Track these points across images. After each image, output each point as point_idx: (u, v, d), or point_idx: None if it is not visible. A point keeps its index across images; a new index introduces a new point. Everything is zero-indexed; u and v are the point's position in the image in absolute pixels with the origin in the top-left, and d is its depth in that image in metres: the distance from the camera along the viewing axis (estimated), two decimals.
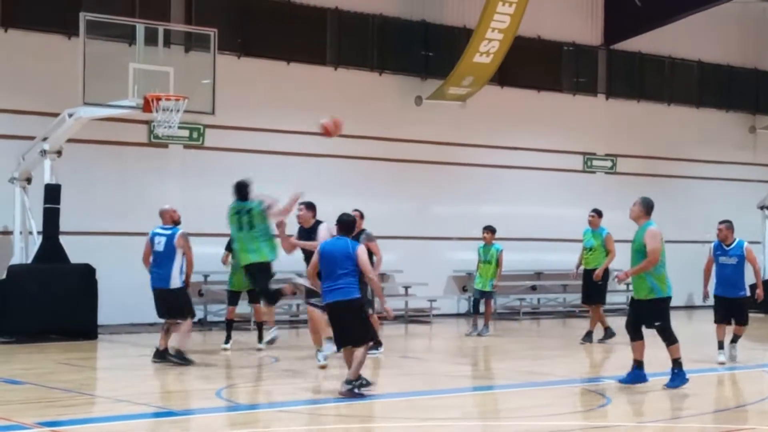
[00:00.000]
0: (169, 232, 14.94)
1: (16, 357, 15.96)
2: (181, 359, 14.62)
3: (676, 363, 12.72)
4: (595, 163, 27.92)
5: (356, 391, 11.91)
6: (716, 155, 29.91)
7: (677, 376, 12.66)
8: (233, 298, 17.44)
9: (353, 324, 12.16)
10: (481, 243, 20.36)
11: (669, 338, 12.82)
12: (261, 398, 13.13)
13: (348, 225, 12.55)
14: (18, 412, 10.82)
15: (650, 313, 12.84)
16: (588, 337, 18.80)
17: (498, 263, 20.10)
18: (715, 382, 14.62)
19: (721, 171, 29.81)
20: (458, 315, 25.20)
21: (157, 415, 11.15)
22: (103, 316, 18.81)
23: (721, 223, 16.10)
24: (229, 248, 17.01)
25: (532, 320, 25.09)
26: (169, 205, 15.32)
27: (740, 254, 15.67)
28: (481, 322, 20.23)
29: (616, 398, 12.15)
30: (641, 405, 11.90)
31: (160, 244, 14.92)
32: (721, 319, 15.69)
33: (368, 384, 12.05)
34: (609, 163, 28.12)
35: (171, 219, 15.11)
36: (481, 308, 20.37)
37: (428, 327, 23.00)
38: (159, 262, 14.92)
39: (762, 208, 27.55)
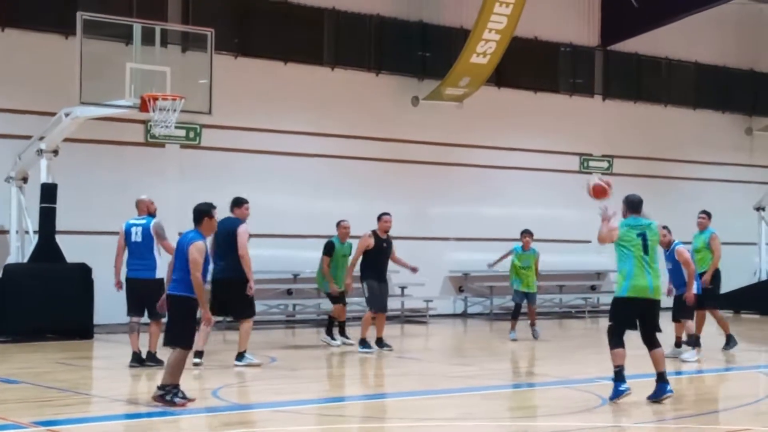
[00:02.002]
0: (144, 221, 14.82)
1: (12, 356, 15.95)
2: (156, 362, 14.50)
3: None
4: (592, 164, 27.94)
5: (167, 398, 11.16)
6: (713, 156, 29.94)
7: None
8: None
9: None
10: (517, 245, 19.72)
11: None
12: (257, 398, 13.12)
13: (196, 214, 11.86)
14: (14, 411, 10.81)
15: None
16: (697, 341, 16.49)
17: (536, 265, 19.63)
18: (711, 383, 14.63)
19: (717, 172, 29.84)
20: (454, 315, 25.21)
21: (153, 414, 11.13)
22: (99, 316, 18.78)
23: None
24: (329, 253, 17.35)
25: (528, 320, 25.03)
26: (146, 196, 15.21)
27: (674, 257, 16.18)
28: (520, 325, 19.79)
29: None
30: (638, 405, 11.89)
31: (137, 234, 14.71)
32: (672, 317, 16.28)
33: (185, 398, 11.29)
34: (605, 164, 28.13)
35: (147, 210, 14.99)
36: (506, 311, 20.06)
37: (425, 327, 23.01)
38: (139, 253, 14.71)
39: (758, 209, 27.57)
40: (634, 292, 11.90)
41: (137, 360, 14.62)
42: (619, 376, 11.82)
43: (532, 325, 19.74)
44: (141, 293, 14.65)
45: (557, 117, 27.15)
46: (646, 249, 12.09)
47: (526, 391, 13.32)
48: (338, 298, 17.44)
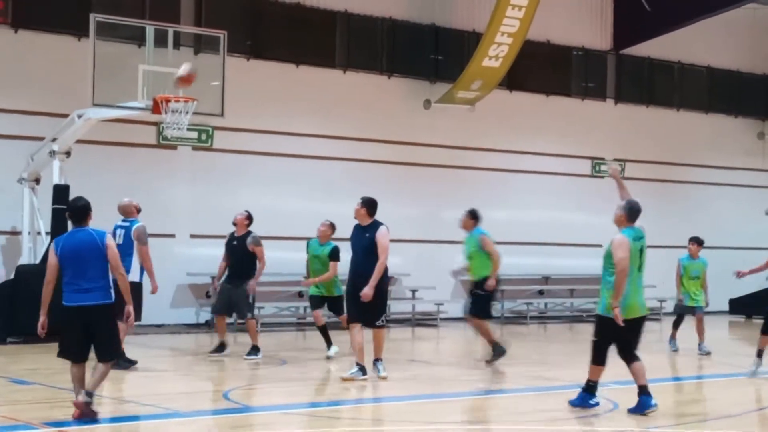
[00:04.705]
0: (128, 224, 14.77)
1: (24, 357, 15.98)
2: (123, 361, 14.39)
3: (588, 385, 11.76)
4: (604, 167, 27.90)
5: (93, 409, 10.43)
6: (725, 161, 29.87)
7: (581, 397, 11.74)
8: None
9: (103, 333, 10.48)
10: (684, 255, 18.24)
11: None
12: (268, 400, 13.12)
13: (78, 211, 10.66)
14: (25, 412, 10.84)
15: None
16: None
17: (704, 276, 18.03)
18: (727, 388, 14.59)
19: (729, 177, 29.78)
20: (465, 319, 25.13)
21: (163, 416, 11.15)
22: None
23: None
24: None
25: (539, 324, 25.07)
26: (128, 199, 15.17)
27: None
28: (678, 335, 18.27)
29: (623, 403, 12.13)
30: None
31: (120, 236, 14.62)
32: None
33: (95, 414, 10.46)
34: (617, 168, 28.04)
35: (135, 212, 14.94)
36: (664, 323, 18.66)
37: (435, 330, 22.99)
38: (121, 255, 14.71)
39: None
40: (629, 312, 11.34)
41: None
42: (592, 389, 11.69)
43: (703, 340, 17.87)
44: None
45: (569, 121, 27.12)
46: (641, 266, 11.62)
47: (536, 395, 13.30)
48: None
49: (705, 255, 18.32)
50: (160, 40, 18.16)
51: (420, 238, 24.33)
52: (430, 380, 14.57)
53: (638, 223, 11.79)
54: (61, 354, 10.58)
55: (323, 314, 16.42)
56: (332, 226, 16.49)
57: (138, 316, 14.43)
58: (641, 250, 11.57)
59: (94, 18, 17.57)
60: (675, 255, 27.55)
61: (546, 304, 26.51)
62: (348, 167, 23.61)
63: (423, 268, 24.05)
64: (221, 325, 16.30)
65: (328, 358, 16.09)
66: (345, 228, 14.41)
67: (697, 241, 18.14)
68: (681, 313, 18.24)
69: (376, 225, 13.70)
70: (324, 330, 16.47)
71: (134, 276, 14.46)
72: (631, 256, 11.34)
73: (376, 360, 13.88)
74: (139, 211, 15.04)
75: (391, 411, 11.83)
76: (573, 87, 27.49)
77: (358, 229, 13.82)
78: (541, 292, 26.27)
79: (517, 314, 25.62)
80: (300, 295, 22.79)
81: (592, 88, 27.80)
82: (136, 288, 14.42)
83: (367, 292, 13.36)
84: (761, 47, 30.64)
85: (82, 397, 10.32)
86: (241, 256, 16.03)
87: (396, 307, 23.96)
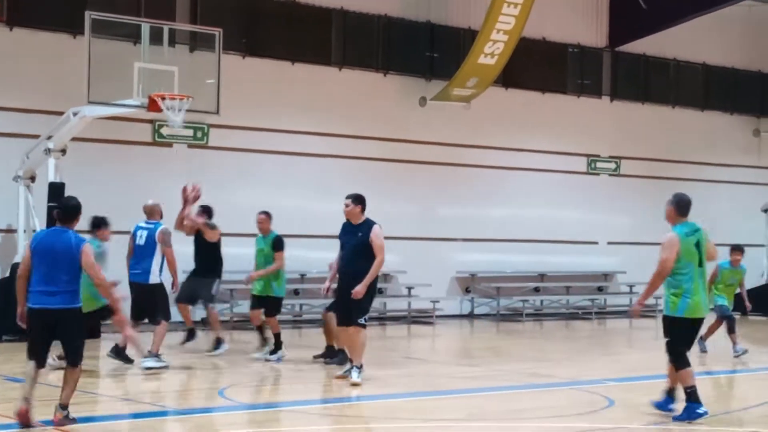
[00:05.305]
0: (152, 226, 14.86)
1: (19, 355, 15.87)
2: (122, 358, 14.49)
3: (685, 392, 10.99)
4: (599, 165, 27.92)
5: (70, 417, 10.16)
6: (720, 158, 29.89)
7: (685, 408, 10.94)
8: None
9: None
10: (724, 261, 17.32)
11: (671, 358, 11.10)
12: (264, 398, 13.13)
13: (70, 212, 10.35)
14: None
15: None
16: None
17: (742, 283, 17.58)
18: (720, 385, 14.61)
19: (725, 174, 29.79)
20: (461, 316, 25.20)
21: (160, 414, 11.15)
22: None
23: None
24: None
25: (535, 322, 25.09)
26: (153, 201, 15.27)
27: None
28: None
29: (619, 400, 12.14)
30: (644, 407, 11.89)
31: (141, 237, 14.81)
32: None
33: (73, 421, 10.20)
34: (613, 165, 28.11)
35: (160, 215, 15.05)
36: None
37: (431, 328, 23.00)
38: (138, 256, 14.81)
39: (766, 211, 27.54)
40: (694, 312, 10.80)
41: (115, 352, 14.74)
42: (694, 397, 10.75)
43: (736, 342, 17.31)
44: (134, 296, 14.87)
45: (565, 118, 27.12)
46: (701, 261, 10.91)
47: (532, 392, 13.31)
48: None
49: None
50: (156, 38, 18.13)
51: (416, 235, 24.32)
52: (426, 377, 14.57)
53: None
54: (27, 354, 10.44)
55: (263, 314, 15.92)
56: (269, 216, 16.00)
57: (166, 315, 14.73)
58: (698, 245, 10.86)
59: (89, 16, 17.54)
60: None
61: (542, 301, 26.52)
62: (344, 164, 23.60)
63: (419, 265, 24.05)
64: (185, 314, 16.25)
65: (258, 359, 15.50)
66: (336, 225, 14.29)
67: (740, 250, 17.54)
68: (725, 316, 17.28)
69: (368, 224, 13.27)
70: (261, 330, 16.01)
71: (154, 277, 14.67)
72: (687, 254, 10.75)
73: (354, 367, 13.19)
74: (161, 215, 15.10)
75: (387, 408, 11.83)
76: (569, 84, 27.49)
77: (349, 227, 13.36)
78: (536, 289, 26.28)
79: (513, 311, 25.62)
80: (296, 292, 22.79)
81: (588, 85, 27.80)
82: (159, 288, 14.59)
83: (359, 290, 12.91)
84: (757, 44, 30.65)
85: (24, 404, 10.02)
86: (205, 250, 15.93)
87: (392, 304, 23.97)
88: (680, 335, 10.86)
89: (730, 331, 17.14)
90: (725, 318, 17.17)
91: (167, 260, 14.69)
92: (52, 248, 10.09)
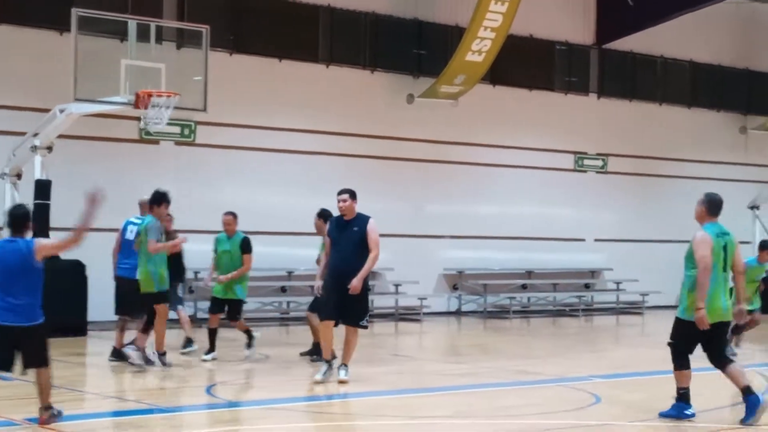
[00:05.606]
0: (140, 221, 14.82)
1: None
2: (120, 357, 14.45)
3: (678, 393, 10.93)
4: (586, 162, 27.95)
5: (55, 413, 9.99)
6: (707, 155, 29.95)
7: (675, 406, 10.90)
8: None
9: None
10: (751, 257, 17.00)
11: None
12: (250, 395, 13.12)
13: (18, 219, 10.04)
14: (7, 408, 10.81)
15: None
16: None
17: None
18: (706, 381, 14.62)
19: (712, 171, 29.82)
20: (449, 313, 25.22)
21: (145, 411, 11.13)
22: (93, 313, 18.76)
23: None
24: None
25: (522, 319, 25.11)
26: (147, 196, 15.23)
27: None
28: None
29: (605, 397, 12.16)
30: (630, 404, 11.92)
31: (132, 232, 14.77)
32: None
33: (59, 414, 10.06)
34: (600, 163, 28.15)
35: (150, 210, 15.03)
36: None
37: (419, 325, 23.01)
38: (127, 251, 14.78)
39: (752, 208, 27.60)
40: (712, 317, 10.47)
41: (116, 354, 14.70)
42: (685, 398, 10.74)
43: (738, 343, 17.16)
44: (121, 291, 14.85)
45: (552, 115, 27.15)
46: (725, 265, 10.67)
47: (519, 389, 13.32)
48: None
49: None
50: (143, 35, 18.10)
51: (403, 232, 24.31)
52: (414, 375, 14.59)
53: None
54: None
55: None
56: (236, 217, 15.51)
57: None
58: (725, 247, 10.71)
59: (75, 13, 17.49)
60: (656, 249, 27.83)
61: (529, 299, 26.55)
62: (331, 162, 23.58)
63: (406, 262, 24.05)
64: (181, 318, 16.47)
65: (204, 360, 15.12)
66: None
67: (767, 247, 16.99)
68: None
69: (363, 218, 12.94)
70: (214, 333, 15.42)
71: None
72: (715, 255, 10.52)
73: (343, 365, 13.00)
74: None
75: (374, 405, 11.83)
76: (556, 81, 27.51)
77: (341, 223, 13.01)
78: (524, 287, 26.31)
79: (500, 308, 25.64)
80: (283, 290, 22.80)
81: (575, 82, 27.84)
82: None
83: (356, 284, 12.56)
84: (743, 42, 30.72)
85: (41, 413, 9.82)
86: (169, 257, 15.13)
87: (379, 301, 23.97)
88: (690, 338, 10.62)
89: (737, 330, 16.69)
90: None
91: (148, 248, 14.44)
92: (5, 259, 9.76)
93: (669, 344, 10.81)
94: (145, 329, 14.27)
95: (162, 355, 14.31)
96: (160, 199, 14.39)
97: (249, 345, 15.56)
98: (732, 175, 29.94)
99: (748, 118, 30.99)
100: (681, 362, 10.72)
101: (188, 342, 16.14)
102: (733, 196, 29.05)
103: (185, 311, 16.83)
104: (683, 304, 10.65)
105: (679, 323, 10.74)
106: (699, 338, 10.60)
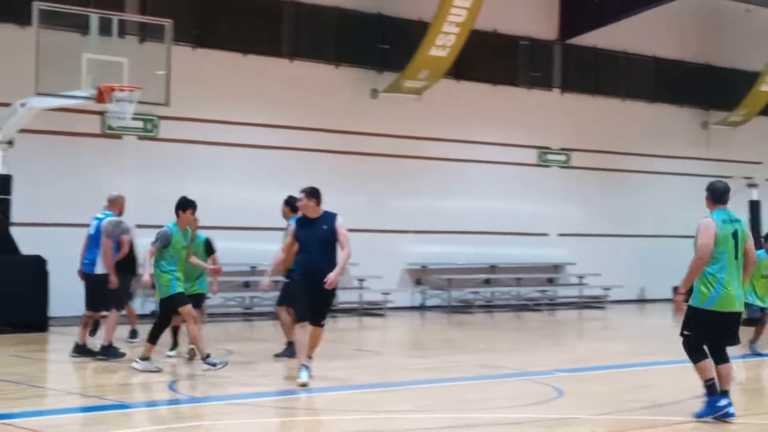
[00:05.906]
0: (102, 216, 14.75)
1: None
2: (111, 354, 14.35)
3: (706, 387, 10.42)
4: (550, 157, 28.06)
5: None
6: (669, 150, 30.14)
7: (707, 403, 10.40)
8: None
9: None
10: (761, 250, 16.02)
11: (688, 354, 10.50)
12: (213, 391, 13.06)
13: None
14: None
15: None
16: None
17: None
18: (672, 374, 14.71)
19: (674, 166, 30.05)
20: (412, 308, 25.24)
21: (107, 407, 11.06)
22: (54, 309, 18.64)
23: None
24: None
25: (486, 313, 25.17)
26: (117, 193, 15.15)
27: None
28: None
29: (568, 391, 12.21)
30: (594, 397, 11.97)
31: (93, 228, 14.70)
32: None
33: None
34: (563, 158, 28.26)
35: (118, 207, 14.94)
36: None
37: (382, 320, 23.02)
38: (89, 245, 14.73)
39: None
40: (724, 305, 10.17)
41: (78, 350, 14.63)
42: (712, 390, 10.26)
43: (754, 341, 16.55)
44: (86, 286, 14.84)
45: (516, 110, 27.24)
46: (737, 252, 10.29)
47: (483, 383, 13.35)
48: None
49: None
50: (105, 29, 18.02)
51: (367, 227, 24.26)
52: (377, 369, 14.58)
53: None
54: None
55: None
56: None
57: (118, 305, 14.81)
58: (735, 235, 10.30)
59: (37, 6, 17.39)
60: (619, 243, 27.99)
61: (492, 293, 26.62)
62: (295, 157, 23.54)
63: (370, 257, 23.99)
64: (128, 312, 16.57)
65: (168, 356, 14.93)
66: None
67: None
68: (754, 317, 16.27)
69: (331, 215, 12.69)
70: (177, 330, 15.18)
71: (100, 268, 14.50)
72: (723, 242, 10.19)
73: (303, 366, 12.58)
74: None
75: (337, 400, 11.82)
76: (520, 76, 27.59)
77: (308, 222, 12.67)
78: (487, 281, 26.38)
79: (464, 303, 25.70)
80: (246, 285, 22.73)
81: (539, 77, 27.93)
82: (105, 279, 14.43)
83: (333, 278, 12.24)
84: (706, 37, 30.92)
85: None
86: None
87: (343, 296, 23.95)
88: (704, 329, 10.24)
89: (758, 331, 16.43)
90: (751, 317, 15.92)
91: (102, 251, 14.43)
92: None
93: (681, 335, 10.38)
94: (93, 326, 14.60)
95: (205, 358, 13.63)
96: (185, 205, 13.98)
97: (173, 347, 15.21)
98: (694, 170, 30.16)
99: (710, 113, 31.22)
100: (697, 355, 10.31)
101: (133, 334, 16.47)
102: (695, 191, 29.18)
103: (132, 306, 16.90)
104: (695, 294, 10.31)
105: (693, 312, 10.31)
106: (712, 327, 10.22)
